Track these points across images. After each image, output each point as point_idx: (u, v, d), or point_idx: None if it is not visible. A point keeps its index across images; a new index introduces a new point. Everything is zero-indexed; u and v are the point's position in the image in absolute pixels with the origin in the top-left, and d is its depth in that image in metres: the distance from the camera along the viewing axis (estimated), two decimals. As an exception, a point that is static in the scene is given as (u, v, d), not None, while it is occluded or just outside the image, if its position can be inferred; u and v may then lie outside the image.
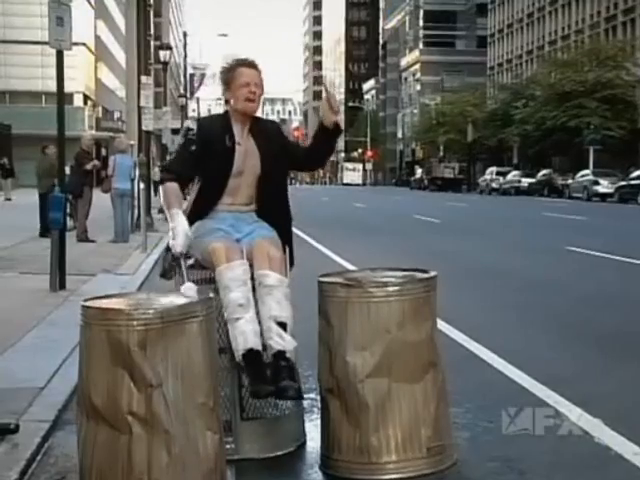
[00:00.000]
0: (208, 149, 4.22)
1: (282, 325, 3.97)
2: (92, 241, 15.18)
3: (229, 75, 4.26)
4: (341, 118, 4.32)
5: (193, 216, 4.25)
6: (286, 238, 4.33)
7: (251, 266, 4.06)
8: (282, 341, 3.94)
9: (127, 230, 16.12)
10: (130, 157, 17.39)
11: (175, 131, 32.33)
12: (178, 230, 4.01)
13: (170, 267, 4.17)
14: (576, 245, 14.41)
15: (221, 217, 4.25)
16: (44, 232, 15.08)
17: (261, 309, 4.00)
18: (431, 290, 3.91)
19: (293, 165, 4.52)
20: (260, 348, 3.94)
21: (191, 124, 4.31)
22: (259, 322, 3.99)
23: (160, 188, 4.32)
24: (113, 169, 16.01)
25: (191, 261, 4.19)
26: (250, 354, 3.90)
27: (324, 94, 4.31)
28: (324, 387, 3.94)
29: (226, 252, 4.00)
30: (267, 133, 4.37)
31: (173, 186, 4.19)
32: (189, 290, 3.65)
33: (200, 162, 4.23)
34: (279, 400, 4.04)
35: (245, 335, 3.90)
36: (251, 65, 4.27)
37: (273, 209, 4.35)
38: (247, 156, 4.26)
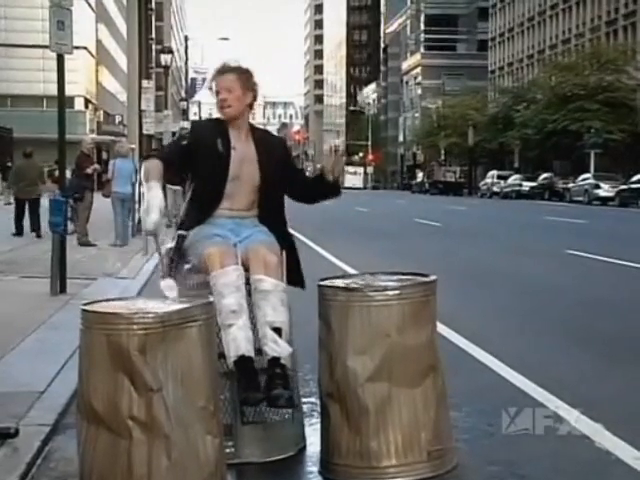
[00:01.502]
0: (200, 151, 4.20)
1: (277, 330, 3.95)
2: (93, 245, 15.21)
3: (211, 84, 4.32)
4: (339, 170, 4.35)
5: (191, 221, 4.25)
6: (289, 250, 4.32)
7: (248, 270, 4.06)
8: (277, 347, 3.93)
9: (127, 234, 16.18)
10: (131, 161, 17.42)
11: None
12: (153, 204, 3.95)
13: (168, 269, 4.17)
14: (577, 249, 14.41)
15: (221, 223, 4.23)
16: (19, 233, 17.21)
17: (257, 314, 3.99)
18: (431, 294, 3.91)
19: (289, 188, 4.43)
20: (252, 355, 3.93)
21: (187, 125, 4.36)
22: (254, 328, 4.00)
23: (142, 165, 4.28)
24: (112, 173, 16.08)
25: (189, 265, 4.20)
26: (242, 361, 3.89)
27: (333, 157, 4.33)
28: (324, 391, 3.94)
29: (220, 257, 3.98)
30: (270, 144, 4.36)
31: (155, 162, 4.15)
32: (168, 289, 3.62)
33: (190, 162, 4.22)
34: (271, 408, 4.02)
35: (237, 342, 3.89)
36: (221, 71, 4.25)
37: (273, 217, 4.33)
38: (243, 162, 4.23)
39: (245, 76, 4.25)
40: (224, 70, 4.25)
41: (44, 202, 14.28)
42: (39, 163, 19.36)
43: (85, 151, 16.56)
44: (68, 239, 10.15)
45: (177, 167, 4.26)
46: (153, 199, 3.97)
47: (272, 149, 4.34)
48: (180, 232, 4.22)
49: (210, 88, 4.33)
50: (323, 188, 4.37)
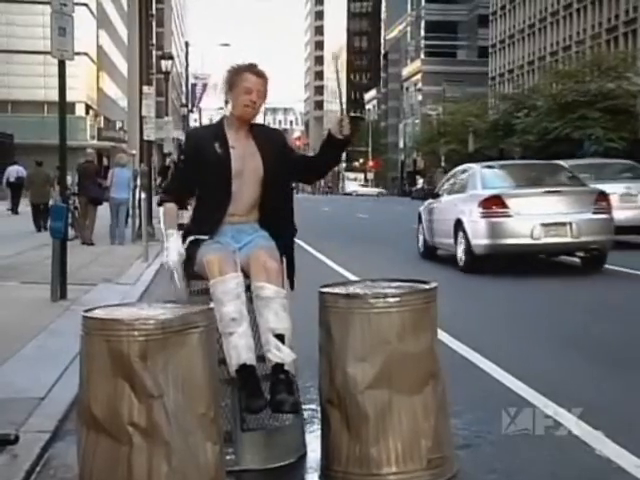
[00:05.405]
0: (199, 157, 4.24)
1: (280, 337, 3.95)
2: (92, 244, 16.81)
3: (234, 78, 4.24)
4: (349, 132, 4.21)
5: (200, 225, 4.25)
6: (288, 248, 4.33)
7: (248, 276, 4.06)
8: (280, 353, 3.93)
9: (122, 235, 17.63)
10: (129, 169, 18.61)
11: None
12: (171, 249, 4.17)
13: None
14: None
15: (222, 230, 4.24)
16: (38, 230, 20.14)
17: (259, 321, 3.99)
18: (431, 301, 3.90)
19: (295, 174, 4.48)
20: (254, 363, 3.93)
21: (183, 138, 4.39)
22: (257, 334, 4.00)
23: (160, 210, 4.47)
24: (111, 181, 17.67)
25: (192, 271, 4.21)
26: (243, 369, 3.90)
27: (340, 116, 4.27)
28: (324, 398, 3.94)
29: (219, 265, 3.99)
30: (269, 137, 4.37)
31: (170, 207, 4.34)
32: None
33: (193, 171, 4.27)
34: (276, 413, 4.03)
35: (238, 350, 3.89)
36: (258, 73, 4.23)
37: (277, 216, 4.32)
38: (245, 158, 4.24)
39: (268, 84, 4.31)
40: (259, 73, 4.24)
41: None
42: (48, 171, 21.97)
43: (90, 158, 18.46)
44: (70, 244, 10.16)
45: (188, 193, 4.40)
46: (172, 245, 4.19)
47: (271, 140, 4.35)
48: (198, 237, 4.21)
49: (229, 84, 4.25)
50: (334, 148, 4.27)
